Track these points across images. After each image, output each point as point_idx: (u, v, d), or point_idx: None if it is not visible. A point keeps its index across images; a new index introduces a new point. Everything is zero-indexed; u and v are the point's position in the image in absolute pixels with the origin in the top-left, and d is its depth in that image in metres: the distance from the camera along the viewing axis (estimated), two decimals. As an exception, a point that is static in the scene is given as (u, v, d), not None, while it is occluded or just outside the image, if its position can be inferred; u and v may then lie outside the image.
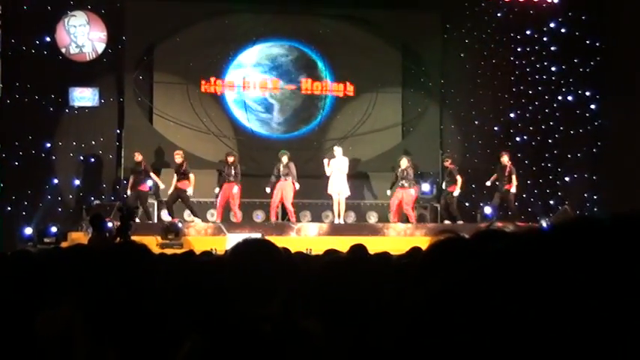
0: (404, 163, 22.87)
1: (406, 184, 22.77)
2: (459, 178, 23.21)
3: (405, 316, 1.03)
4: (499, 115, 25.76)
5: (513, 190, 23.00)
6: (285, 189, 22.50)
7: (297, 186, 22.52)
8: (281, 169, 22.49)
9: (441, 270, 1.04)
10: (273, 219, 22.74)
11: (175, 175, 22.29)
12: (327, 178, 22.93)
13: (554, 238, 0.96)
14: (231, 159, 22.54)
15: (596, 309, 0.88)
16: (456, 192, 23.17)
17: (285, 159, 22.50)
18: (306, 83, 25.62)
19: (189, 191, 22.18)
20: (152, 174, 22.56)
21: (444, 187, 23.70)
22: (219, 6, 24.72)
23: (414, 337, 0.99)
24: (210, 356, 3.05)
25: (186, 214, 22.82)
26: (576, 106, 25.57)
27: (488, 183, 23.43)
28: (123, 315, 3.73)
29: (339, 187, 22.85)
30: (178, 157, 22.28)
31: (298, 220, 23.20)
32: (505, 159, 23.13)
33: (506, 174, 23.02)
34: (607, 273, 0.90)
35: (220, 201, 22.62)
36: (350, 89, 25.62)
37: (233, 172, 22.39)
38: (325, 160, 23.07)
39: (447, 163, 23.53)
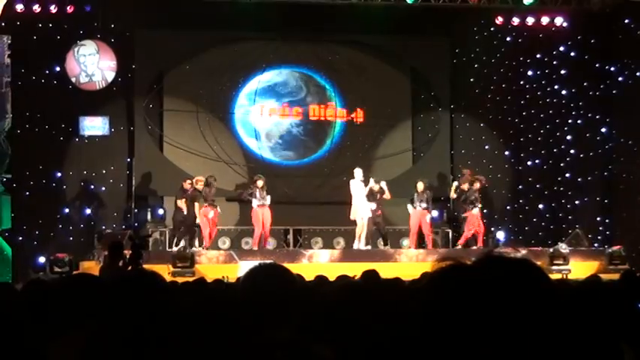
0: (420, 186, 22.79)
1: (425, 207, 22.68)
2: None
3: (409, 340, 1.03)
4: (509, 140, 25.73)
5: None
6: (267, 215, 22.37)
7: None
8: (258, 193, 22.36)
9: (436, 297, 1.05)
10: (269, 246, 22.71)
11: (197, 203, 22.16)
12: (348, 204, 22.56)
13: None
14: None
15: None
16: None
17: (260, 182, 22.39)
18: (315, 110, 25.61)
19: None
20: None
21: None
22: (228, 34, 24.74)
23: None
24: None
25: (196, 243, 22.80)
26: (586, 129, 25.52)
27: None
28: (136, 343, 3.71)
29: (361, 212, 22.44)
30: (200, 184, 22.14)
31: (309, 247, 23.13)
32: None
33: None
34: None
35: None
36: (359, 115, 25.59)
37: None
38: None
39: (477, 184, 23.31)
